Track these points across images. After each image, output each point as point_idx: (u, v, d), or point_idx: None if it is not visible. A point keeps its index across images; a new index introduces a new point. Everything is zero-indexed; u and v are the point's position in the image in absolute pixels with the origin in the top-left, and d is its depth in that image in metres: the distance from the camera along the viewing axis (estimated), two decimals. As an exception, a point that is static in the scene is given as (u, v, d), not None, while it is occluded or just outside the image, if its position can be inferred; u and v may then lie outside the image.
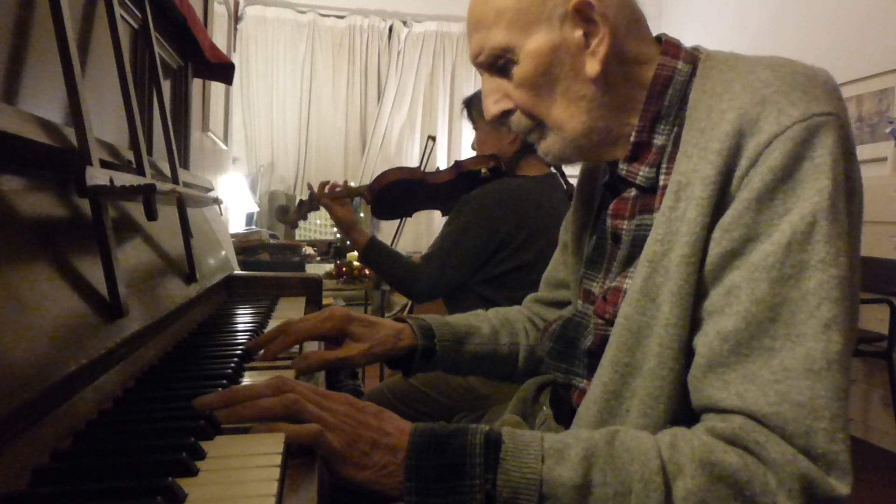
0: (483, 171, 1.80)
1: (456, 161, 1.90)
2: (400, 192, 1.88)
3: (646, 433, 0.63)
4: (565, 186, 1.84)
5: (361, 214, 3.48)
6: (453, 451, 0.60)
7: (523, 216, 1.66)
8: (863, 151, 3.05)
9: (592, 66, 0.72)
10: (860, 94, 3.23)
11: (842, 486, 0.57)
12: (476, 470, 0.59)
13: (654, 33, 0.79)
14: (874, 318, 2.79)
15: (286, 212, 2.03)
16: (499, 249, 1.67)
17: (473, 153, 1.90)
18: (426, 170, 1.99)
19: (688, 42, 0.79)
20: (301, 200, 1.95)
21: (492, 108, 0.78)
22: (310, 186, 1.95)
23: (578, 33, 0.72)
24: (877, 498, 2.40)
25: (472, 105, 1.84)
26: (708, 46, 0.78)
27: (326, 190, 1.87)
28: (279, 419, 0.60)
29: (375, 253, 1.75)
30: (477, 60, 0.77)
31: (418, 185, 1.89)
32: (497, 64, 0.76)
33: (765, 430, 0.59)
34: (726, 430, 0.60)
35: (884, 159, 3.02)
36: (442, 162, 5.38)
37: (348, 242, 3.32)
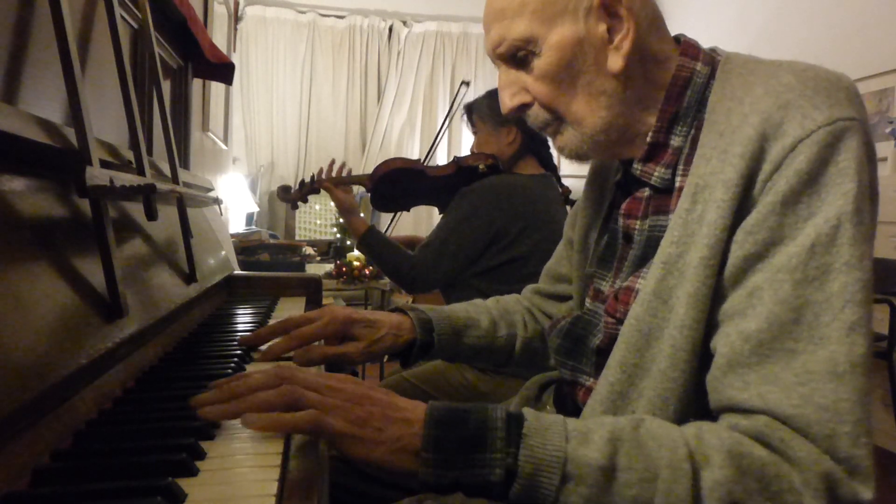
0: (481, 167, 1.85)
1: (455, 157, 1.95)
2: (400, 182, 1.93)
3: (670, 423, 0.62)
4: (560, 189, 1.88)
5: (361, 214, 3.49)
6: (474, 424, 0.58)
7: (519, 209, 1.70)
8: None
9: (615, 61, 0.71)
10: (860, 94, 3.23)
11: (865, 491, 0.57)
12: (498, 443, 0.57)
13: None
14: (874, 318, 2.79)
15: (287, 191, 2.12)
16: (493, 241, 1.70)
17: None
18: (427, 164, 2.05)
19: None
20: (303, 181, 2.00)
21: (508, 101, 0.77)
22: (316, 172, 2.00)
23: (602, 27, 0.71)
24: (877, 498, 2.40)
25: (474, 110, 1.89)
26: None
27: (333, 173, 1.94)
28: (277, 410, 0.58)
29: (373, 240, 1.80)
30: (496, 51, 0.76)
31: (418, 177, 1.94)
32: (517, 56, 0.74)
33: (789, 429, 0.58)
34: (750, 428, 0.59)
35: (884, 159, 3.01)
36: (442, 162, 5.38)
37: (348, 241, 3.32)
